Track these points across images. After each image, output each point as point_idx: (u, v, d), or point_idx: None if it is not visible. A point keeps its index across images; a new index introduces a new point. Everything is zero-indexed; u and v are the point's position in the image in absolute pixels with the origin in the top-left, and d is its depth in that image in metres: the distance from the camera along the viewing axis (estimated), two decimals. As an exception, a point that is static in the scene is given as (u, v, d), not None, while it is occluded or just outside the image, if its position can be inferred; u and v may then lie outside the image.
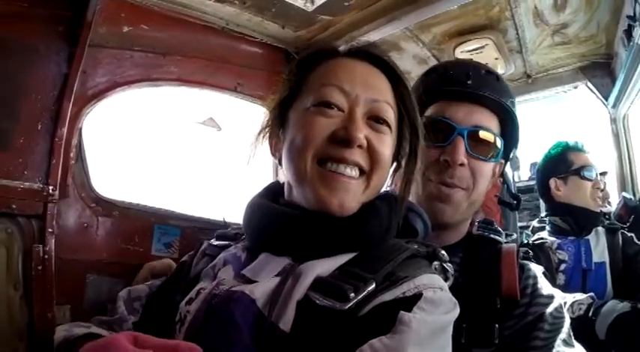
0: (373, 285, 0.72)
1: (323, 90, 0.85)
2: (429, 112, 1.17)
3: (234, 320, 0.72)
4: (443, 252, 0.87)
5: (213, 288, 0.81)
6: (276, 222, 0.86)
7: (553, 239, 2.23)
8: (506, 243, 1.15)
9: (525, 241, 2.30)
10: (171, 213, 1.91)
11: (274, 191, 0.99)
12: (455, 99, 1.14)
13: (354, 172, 0.82)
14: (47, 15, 1.64)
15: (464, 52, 2.37)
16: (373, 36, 2.08)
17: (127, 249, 1.75)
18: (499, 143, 1.15)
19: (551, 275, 2.09)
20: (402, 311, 0.67)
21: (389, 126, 0.88)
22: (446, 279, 0.82)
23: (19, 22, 1.57)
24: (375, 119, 0.86)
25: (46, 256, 1.54)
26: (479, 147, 1.12)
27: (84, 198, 1.72)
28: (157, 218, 1.86)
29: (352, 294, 0.70)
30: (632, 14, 2.04)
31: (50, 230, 1.56)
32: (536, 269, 1.12)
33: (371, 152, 0.84)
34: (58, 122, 1.62)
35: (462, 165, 1.11)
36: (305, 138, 0.82)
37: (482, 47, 2.34)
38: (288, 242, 0.83)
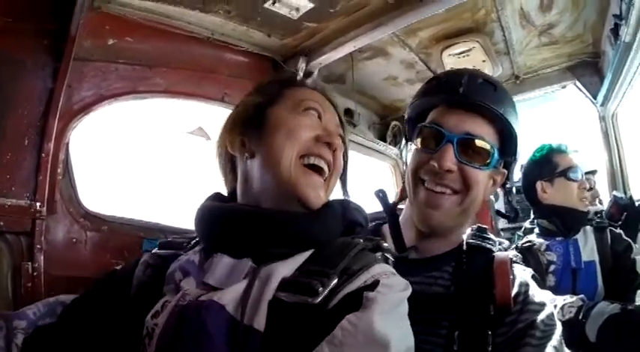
0: (336, 279, 0.80)
1: (307, 102, 1.00)
2: (428, 119, 1.19)
3: (207, 329, 0.75)
4: (385, 244, 0.97)
5: (179, 299, 0.83)
6: (234, 220, 0.92)
7: (541, 241, 2.23)
8: (498, 250, 1.16)
9: (514, 244, 2.31)
10: (161, 227, 1.91)
11: (221, 199, 1.06)
12: (449, 106, 1.16)
13: (326, 168, 0.97)
14: (32, 29, 1.63)
15: (451, 55, 2.38)
16: (359, 42, 2.08)
17: (117, 264, 1.72)
18: (492, 151, 1.14)
19: (540, 277, 2.07)
20: (366, 292, 0.78)
21: (344, 141, 1.06)
22: None
23: (5, 37, 1.56)
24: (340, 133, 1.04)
25: (35, 273, 1.54)
26: (470, 154, 1.12)
27: (72, 214, 1.72)
28: (146, 232, 1.86)
29: (320, 288, 0.78)
30: (618, 13, 2.04)
31: (39, 246, 1.57)
32: (525, 273, 1.12)
33: (335, 158, 0.99)
34: (44, 137, 1.62)
35: (449, 171, 1.11)
36: (295, 135, 0.94)
37: (470, 50, 2.35)
38: (247, 241, 0.89)
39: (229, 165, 1.07)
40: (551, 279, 2.14)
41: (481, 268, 1.10)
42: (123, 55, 1.87)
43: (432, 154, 1.13)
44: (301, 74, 2.17)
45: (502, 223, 3.39)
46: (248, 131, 1.00)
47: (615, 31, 2.14)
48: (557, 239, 2.22)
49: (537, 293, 1.07)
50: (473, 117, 1.13)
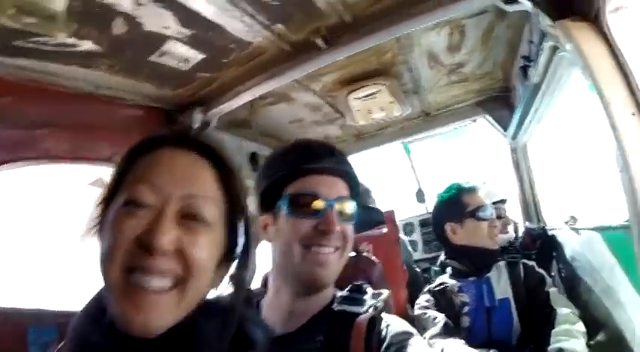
0: None
1: (134, 187, 0.76)
2: (294, 188, 1.22)
3: None
4: None
5: None
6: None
7: (454, 282, 2.23)
8: (368, 309, 1.16)
9: (426, 288, 2.30)
10: (46, 312, 1.75)
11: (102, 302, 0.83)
12: (319, 174, 1.23)
13: (162, 283, 0.72)
14: None
15: (357, 98, 2.35)
16: (258, 90, 2.01)
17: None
18: (354, 205, 1.27)
19: (455, 320, 2.10)
20: None
21: (208, 223, 0.79)
22: None
23: None
24: (192, 217, 0.77)
25: None
26: (344, 213, 1.22)
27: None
28: (30, 319, 1.69)
29: None
30: (527, 54, 2.06)
31: None
32: (401, 326, 1.16)
33: (184, 258, 0.74)
34: None
35: (337, 232, 1.19)
36: (112, 243, 0.73)
37: (376, 92, 2.33)
38: None
39: None
40: (465, 320, 2.15)
41: (343, 336, 1.11)
42: (2, 117, 1.67)
43: (315, 220, 1.18)
44: (198, 125, 2.07)
45: (419, 254, 3.44)
46: (97, 234, 0.82)
47: (524, 70, 2.17)
48: (470, 279, 2.23)
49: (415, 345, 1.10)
50: (337, 180, 1.25)
